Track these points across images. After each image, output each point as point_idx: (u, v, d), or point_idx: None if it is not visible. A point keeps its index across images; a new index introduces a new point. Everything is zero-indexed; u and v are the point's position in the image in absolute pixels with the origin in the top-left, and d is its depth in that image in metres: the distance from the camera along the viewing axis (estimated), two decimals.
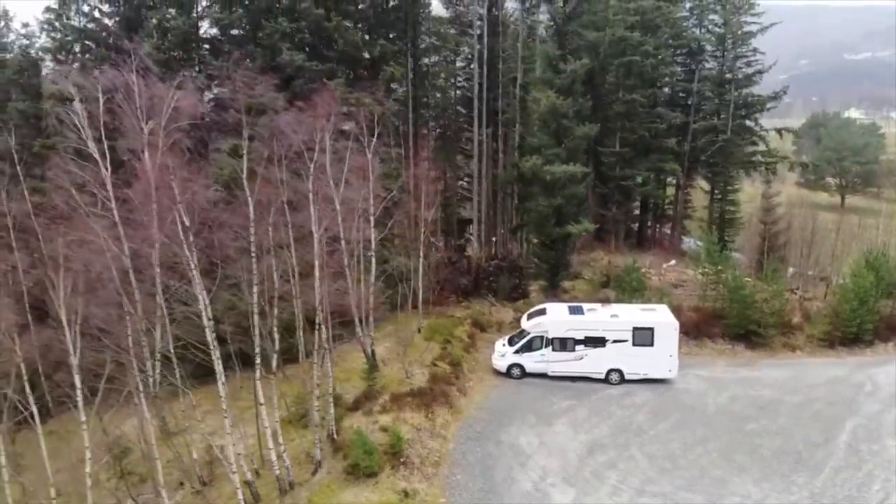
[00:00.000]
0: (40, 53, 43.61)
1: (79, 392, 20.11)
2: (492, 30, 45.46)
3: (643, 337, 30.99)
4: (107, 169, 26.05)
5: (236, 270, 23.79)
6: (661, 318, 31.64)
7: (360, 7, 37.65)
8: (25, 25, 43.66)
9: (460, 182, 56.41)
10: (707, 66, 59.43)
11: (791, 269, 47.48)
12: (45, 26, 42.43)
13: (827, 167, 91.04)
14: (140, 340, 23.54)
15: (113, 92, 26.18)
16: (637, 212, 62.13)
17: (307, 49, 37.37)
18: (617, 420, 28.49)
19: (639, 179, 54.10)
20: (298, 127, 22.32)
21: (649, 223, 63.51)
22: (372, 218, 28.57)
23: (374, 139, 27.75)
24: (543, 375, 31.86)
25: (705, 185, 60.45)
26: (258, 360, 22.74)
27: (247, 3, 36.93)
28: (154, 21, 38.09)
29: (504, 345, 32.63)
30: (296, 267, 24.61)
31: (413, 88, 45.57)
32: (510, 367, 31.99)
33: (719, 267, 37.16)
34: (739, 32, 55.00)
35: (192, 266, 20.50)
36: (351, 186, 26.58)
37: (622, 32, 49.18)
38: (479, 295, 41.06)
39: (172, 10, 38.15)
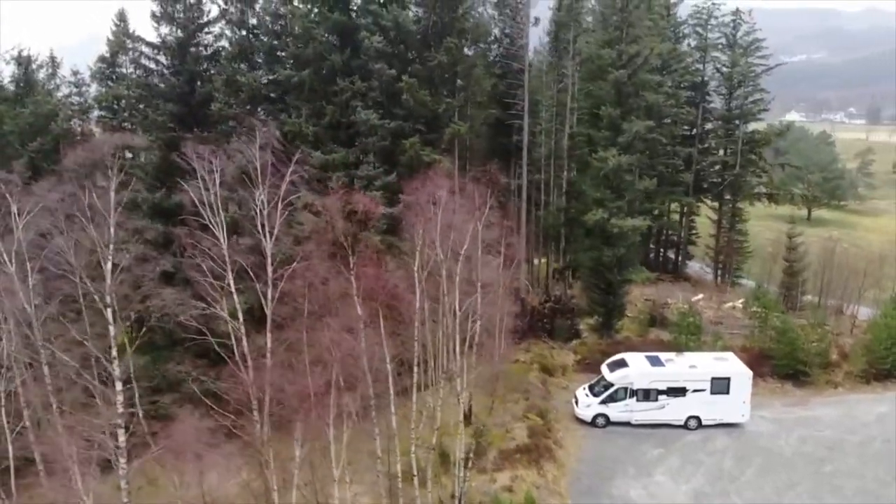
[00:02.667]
0: (90, 101, 43.37)
1: None
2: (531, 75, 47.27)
3: (720, 386, 33.57)
4: (225, 241, 27.30)
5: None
6: (735, 367, 34.28)
7: (425, 65, 38.87)
8: (75, 73, 43.11)
9: None
10: (708, 98, 62.72)
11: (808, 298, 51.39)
12: (98, 76, 42.40)
13: (796, 183, 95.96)
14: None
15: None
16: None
17: (376, 106, 38.44)
18: (708, 467, 30.95)
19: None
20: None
21: (651, 247, 66.45)
22: (479, 285, 30.14)
23: (486, 211, 29.43)
24: (626, 423, 34.07)
25: (710, 212, 63.60)
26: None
27: (318, 59, 37.70)
28: (223, 76, 38.50)
29: (587, 395, 34.62)
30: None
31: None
32: (595, 416, 34.04)
33: (767, 310, 39.99)
34: (747, 72, 58.27)
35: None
36: (461, 256, 28.18)
37: (644, 76, 51.73)
38: (533, 336, 42.93)
39: (242, 65, 38.83)
